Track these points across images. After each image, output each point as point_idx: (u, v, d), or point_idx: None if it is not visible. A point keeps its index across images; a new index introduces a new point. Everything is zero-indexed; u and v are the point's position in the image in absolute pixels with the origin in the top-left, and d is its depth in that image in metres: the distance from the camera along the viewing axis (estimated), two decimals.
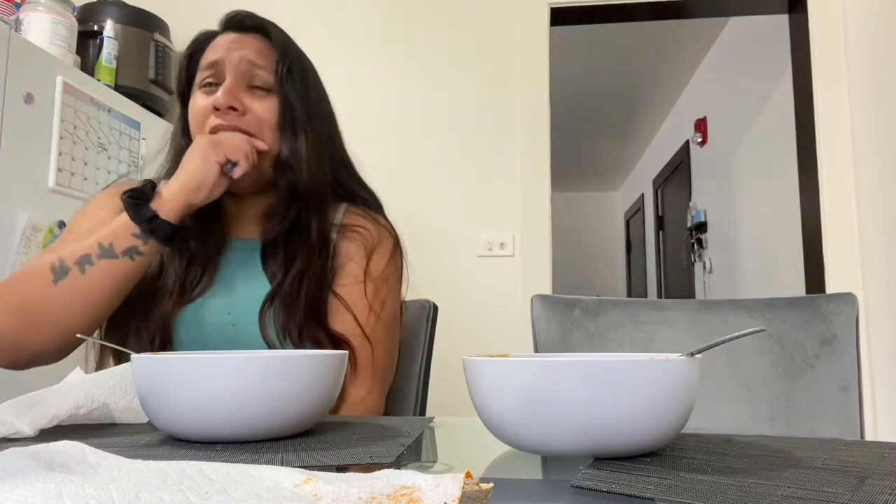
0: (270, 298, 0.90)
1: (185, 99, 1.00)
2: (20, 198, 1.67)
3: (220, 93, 0.91)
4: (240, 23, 0.98)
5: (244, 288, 0.93)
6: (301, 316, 0.89)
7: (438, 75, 2.61)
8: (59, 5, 1.97)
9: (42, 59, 1.77)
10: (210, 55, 0.95)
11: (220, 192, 0.89)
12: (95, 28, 2.21)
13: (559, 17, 2.63)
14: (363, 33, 2.67)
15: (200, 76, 0.96)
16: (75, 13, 2.10)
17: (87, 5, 2.30)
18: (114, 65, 2.19)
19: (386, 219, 1.06)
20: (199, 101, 0.94)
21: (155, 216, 0.83)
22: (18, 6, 1.93)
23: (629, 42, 4.21)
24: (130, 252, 0.83)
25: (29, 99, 1.70)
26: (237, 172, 0.88)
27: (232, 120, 0.91)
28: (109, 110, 2.01)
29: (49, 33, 1.91)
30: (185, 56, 1.01)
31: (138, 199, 0.85)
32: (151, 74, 2.33)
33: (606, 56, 4.44)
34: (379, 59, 2.64)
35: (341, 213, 1.02)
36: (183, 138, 0.99)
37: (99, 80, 2.08)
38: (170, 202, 0.85)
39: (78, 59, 2.07)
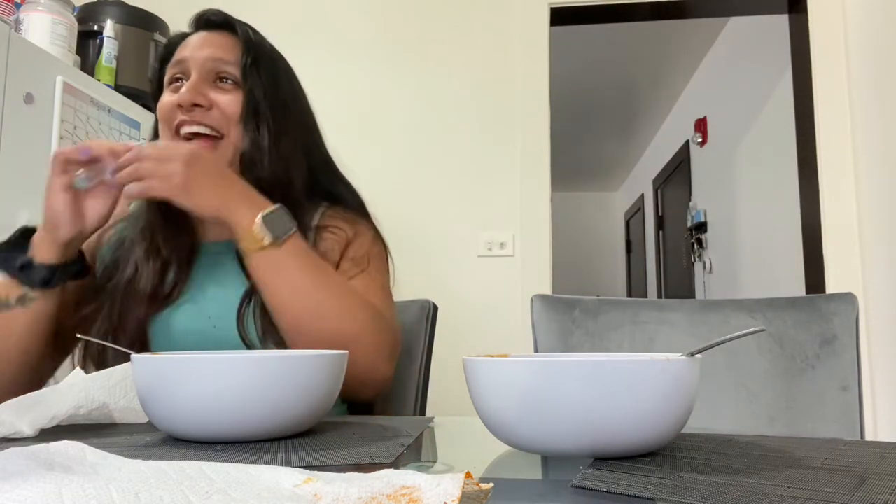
0: (248, 297, 0.88)
1: (157, 102, 0.99)
2: (20, 197, 1.67)
3: (184, 89, 0.90)
4: (207, 21, 0.98)
5: (220, 290, 0.91)
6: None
7: (438, 75, 2.61)
8: (59, 5, 1.96)
9: (42, 59, 1.77)
10: (178, 54, 0.95)
11: (96, 221, 0.83)
12: (95, 28, 2.21)
13: (559, 16, 2.63)
14: (362, 33, 2.67)
15: (168, 74, 0.96)
16: (75, 13, 2.10)
17: (86, 5, 2.30)
18: (114, 65, 2.18)
19: (366, 218, 1.03)
20: (165, 98, 0.94)
21: (28, 263, 0.81)
22: (18, 6, 1.93)
23: (629, 42, 4.20)
24: (22, 300, 0.81)
25: (29, 99, 1.70)
26: (91, 182, 0.82)
27: (196, 116, 0.90)
28: (109, 110, 2.01)
29: (49, 33, 1.91)
30: (157, 59, 1.01)
31: (9, 250, 0.83)
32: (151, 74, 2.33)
33: (606, 56, 4.44)
34: (378, 60, 2.64)
35: (318, 215, 0.99)
36: (155, 140, 0.98)
37: (99, 80, 2.08)
38: (39, 244, 0.82)
39: (78, 59, 2.07)
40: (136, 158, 0.79)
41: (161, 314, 0.89)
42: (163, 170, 0.78)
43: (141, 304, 0.89)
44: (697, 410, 1.02)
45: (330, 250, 0.95)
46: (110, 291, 0.91)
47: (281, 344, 0.86)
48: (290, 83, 1.01)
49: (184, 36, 0.99)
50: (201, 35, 0.96)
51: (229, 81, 0.94)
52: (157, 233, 0.94)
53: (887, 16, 2.23)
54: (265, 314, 0.87)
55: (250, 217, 0.81)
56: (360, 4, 2.69)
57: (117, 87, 2.17)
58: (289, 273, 0.82)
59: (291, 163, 0.96)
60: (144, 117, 2.19)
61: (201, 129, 0.91)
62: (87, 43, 2.17)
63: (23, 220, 1.64)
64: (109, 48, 2.17)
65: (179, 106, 0.90)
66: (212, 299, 0.90)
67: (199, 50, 0.94)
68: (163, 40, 2.37)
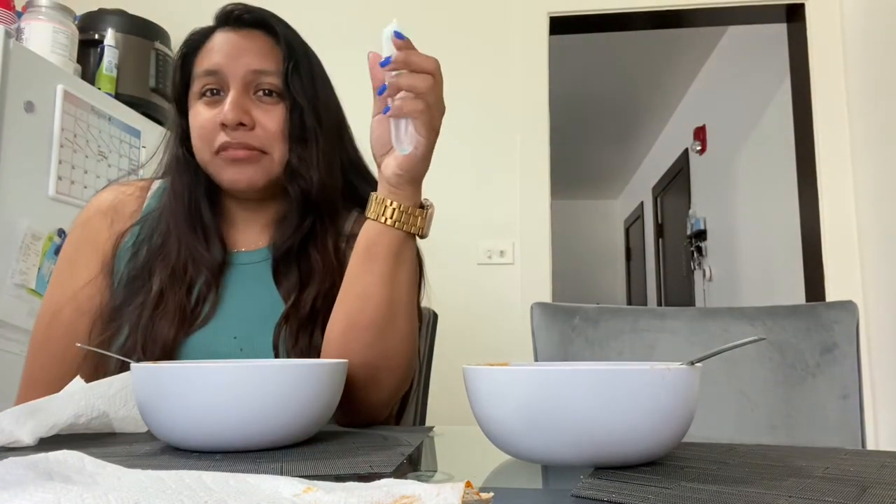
0: (286, 318, 0.84)
1: (180, 103, 0.92)
2: (20, 206, 1.67)
3: (227, 107, 0.83)
4: (238, 18, 0.89)
5: (251, 308, 0.86)
6: (311, 336, 0.83)
7: None
8: (60, 14, 1.97)
9: (43, 67, 1.77)
10: (207, 60, 0.87)
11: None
12: (96, 37, 2.21)
13: (558, 25, 2.64)
14: (358, 40, 2.67)
15: (199, 83, 0.88)
16: (76, 22, 2.10)
17: (87, 14, 2.30)
18: (114, 73, 2.19)
19: None
20: (202, 112, 0.86)
21: None
22: (20, 15, 1.94)
23: (628, 51, 4.22)
24: None
25: (29, 107, 1.70)
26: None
27: (239, 136, 0.84)
28: (110, 118, 2.01)
29: (50, 42, 1.92)
30: (178, 57, 0.92)
31: None
32: (152, 83, 2.33)
33: (606, 65, 4.46)
34: None
35: (351, 222, 0.93)
36: (180, 147, 0.91)
37: (99, 89, 2.08)
38: None
39: (79, 67, 2.07)
40: (405, 65, 0.73)
41: (193, 336, 0.83)
42: (437, 94, 0.72)
43: (170, 328, 0.82)
44: (698, 419, 1.01)
45: None
46: (134, 312, 0.83)
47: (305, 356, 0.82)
48: (325, 84, 0.95)
49: (207, 32, 0.90)
50: (232, 37, 0.88)
51: (272, 94, 0.87)
52: (184, 242, 0.87)
53: (885, 25, 2.24)
54: (297, 335, 0.82)
55: (420, 197, 0.78)
56: (357, 11, 2.70)
57: (118, 96, 2.17)
58: (403, 269, 0.77)
59: (333, 170, 0.91)
60: (145, 126, 2.19)
61: (246, 154, 0.85)
62: (87, 52, 2.18)
63: (23, 229, 1.64)
64: (110, 57, 2.18)
65: (222, 125, 0.84)
66: (243, 319, 0.85)
67: (235, 59, 0.86)
68: (164, 49, 2.37)
